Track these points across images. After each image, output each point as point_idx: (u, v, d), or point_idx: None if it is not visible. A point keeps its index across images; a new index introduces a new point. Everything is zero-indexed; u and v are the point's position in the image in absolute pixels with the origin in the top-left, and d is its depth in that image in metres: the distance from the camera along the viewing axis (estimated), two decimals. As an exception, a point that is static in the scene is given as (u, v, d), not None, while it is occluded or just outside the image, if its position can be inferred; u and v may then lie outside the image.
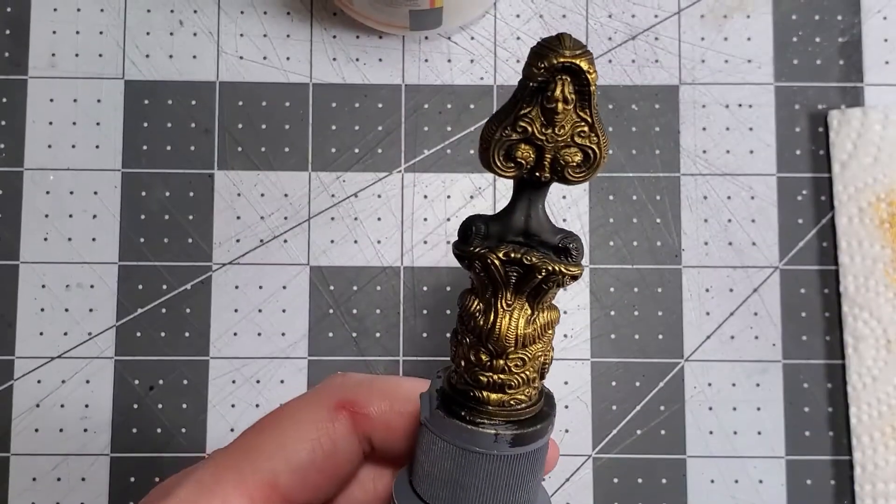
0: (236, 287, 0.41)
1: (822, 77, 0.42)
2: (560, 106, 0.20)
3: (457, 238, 0.23)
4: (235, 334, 0.41)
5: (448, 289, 0.41)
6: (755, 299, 0.41)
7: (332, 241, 0.41)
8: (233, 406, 0.40)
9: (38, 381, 0.40)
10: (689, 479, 0.40)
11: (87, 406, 0.40)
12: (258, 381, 0.40)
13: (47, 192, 0.41)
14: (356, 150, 0.42)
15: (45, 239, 0.41)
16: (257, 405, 0.40)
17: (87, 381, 0.40)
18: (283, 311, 0.41)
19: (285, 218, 0.41)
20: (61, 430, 0.40)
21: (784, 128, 0.42)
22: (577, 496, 0.40)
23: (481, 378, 0.22)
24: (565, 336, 0.41)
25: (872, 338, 0.39)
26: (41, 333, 0.41)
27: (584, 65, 0.19)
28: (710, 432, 0.40)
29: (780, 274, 0.41)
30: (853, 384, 0.39)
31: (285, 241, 0.41)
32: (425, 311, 0.41)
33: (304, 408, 0.24)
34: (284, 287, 0.41)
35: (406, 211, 0.41)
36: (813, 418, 0.40)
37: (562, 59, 0.19)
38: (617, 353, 0.41)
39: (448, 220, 0.41)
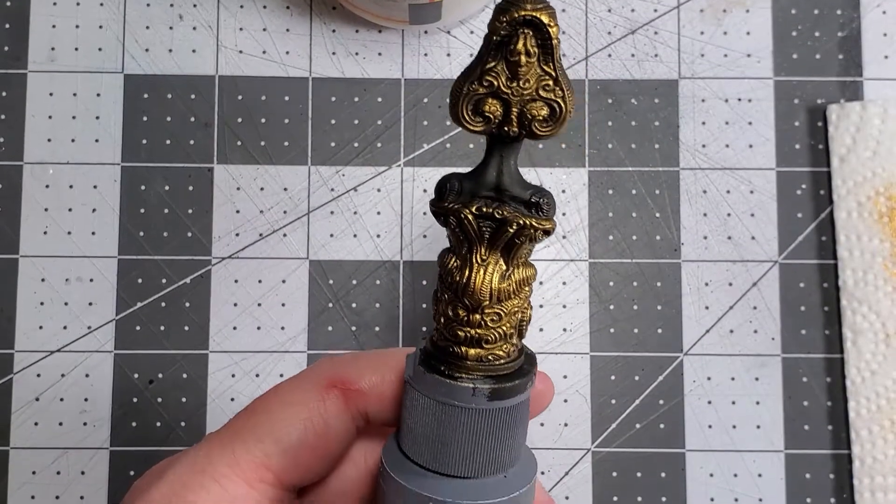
0: (236, 281, 0.41)
1: (821, 71, 0.42)
2: (523, 59, 0.21)
3: (433, 196, 0.23)
4: (235, 328, 0.41)
5: (447, 283, 0.41)
6: (754, 293, 0.41)
7: (332, 235, 0.41)
8: (232, 400, 0.40)
9: (38, 375, 0.40)
10: (688, 473, 0.40)
11: (86, 400, 0.40)
12: (257, 375, 0.40)
13: (47, 186, 0.41)
14: (355, 145, 0.42)
15: (45, 233, 0.41)
16: (257, 399, 0.40)
17: (87, 375, 0.40)
18: (283, 304, 0.41)
19: (285, 212, 0.41)
20: (61, 424, 0.40)
21: (783, 122, 0.42)
22: (577, 490, 0.40)
23: (459, 333, 0.23)
24: (564, 330, 0.41)
25: (871, 332, 0.39)
26: (41, 327, 0.41)
27: (545, 18, 0.20)
28: (710, 426, 0.40)
29: (779, 268, 0.41)
30: (852, 378, 0.39)
31: (285, 234, 0.41)
32: (424, 306, 0.41)
33: (294, 389, 0.25)
34: (284, 281, 0.41)
35: (405, 205, 0.41)
36: (812, 412, 0.40)
37: (523, 13, 0.20)
38: (616, 347, 0.41)
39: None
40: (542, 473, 0.40)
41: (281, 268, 0.41)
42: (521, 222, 0.22)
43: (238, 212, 0.41)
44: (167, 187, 0.41)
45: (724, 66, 0.42)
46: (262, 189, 0.41)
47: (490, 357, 0.23)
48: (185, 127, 0.42)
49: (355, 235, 0.41)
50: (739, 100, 0.42)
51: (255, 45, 0.42)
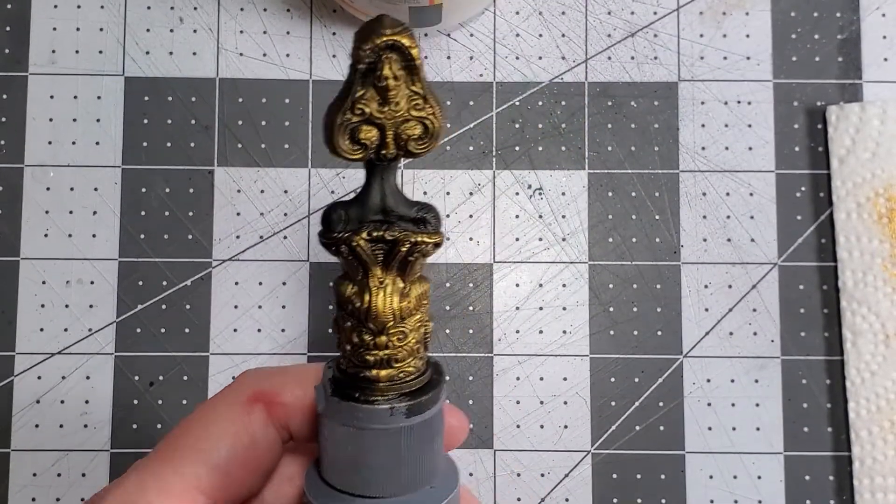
0: (236, 283, 0.41)
1: (820, 74, 0.42)
2: (391, 83, 0.21)
3: (321, 228, 0.23)
4: (235, 330, 0.41)
5: (448, 284, 0.41)
6: (754, 296, 0.41)
7: (332, 238, 0.41)
8: (233, 402, 0.40)
9: (39, 377, 0.40)
10: (687, 475, 0.40)
11: (87, 402, 0.40)
12: (258, 377, 0.40)
13: (48, 189, 0.41)
14: (356, 147, 0.42)
15: (46, 235, 0.41)
16: (257, 401, 0.40)
17: (88, 377, 0.40)
18: (283, 307, 0.41)
19: (285, 214, 0.41)
20: (61, 426, 0.40)
21: (783, 124, 0.42)
22: (577, 492, 0.40)
23: (368, 358, 0.23)
24: (564, 332, 0.41)
25: (871, 333, 0.39)
26: (41, 329, 0.41)
27: (405, 41, 0.20)
28: (709, 428, 0.40)
29: (778, 270, 0.41)
30: (852, 379, 0.40)
31: (285, 237, 0.41)
32: (425, 308, 0.41)
33: (218, 405, 0.24)
34: (284, 283, 0.41)
35: (405, 207, 0.41)
36: (812, 414, 0.40)
37: (384, 39, 0.20)
38: (616, 350, 0.41)
39: (447, 216, 0.41)
40: (543, 476, 0.40)
41: (281, 270, 0.41)
42: (413, 240, 0.22)
43: (238, 214, 0.41)
44: (168, 190, 0.41)
45: (723, 69, 0.42)
46: (262, 191, 0.41)
47: (401, 375, 0.23)
48: (185, 129, 0.42)
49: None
50: (739, 102, 0.42)
51: (255, 48, 0.42)
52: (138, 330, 0.41)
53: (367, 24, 0.21)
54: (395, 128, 0.22)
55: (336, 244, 0.23)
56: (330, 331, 0.41)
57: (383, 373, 0.23)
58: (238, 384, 0.25)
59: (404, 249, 0.23)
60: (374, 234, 0.22)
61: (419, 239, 0.23)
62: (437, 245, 0.23)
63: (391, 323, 0.23)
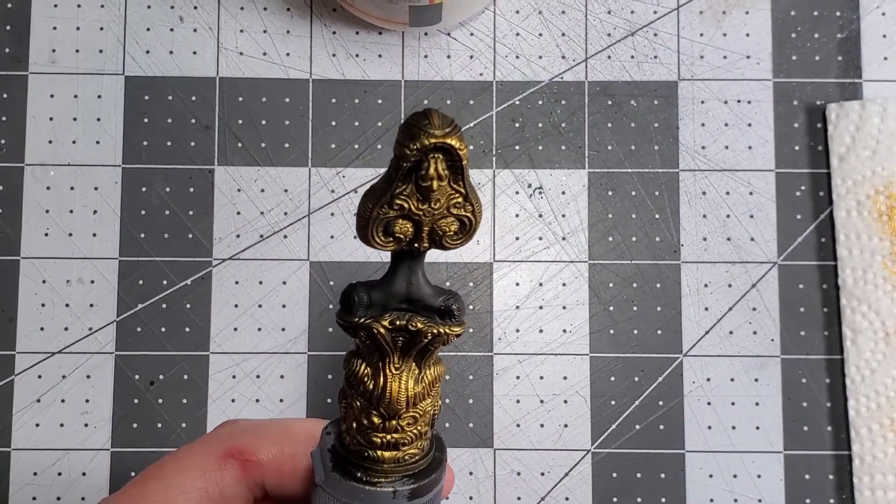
0: (236, 282, 0.41)
1: (820, 73, 0.42)
2: (435, 183, 0.20)
3: (339, 307, 0.23)
4: (236, 329, 0.41)
5: (448, 284, 0.41)
6: (754, 295, 0.41)
7: (332, 237, 0.41)
8: (233, 401, 0.40)
9: (39, 377, 0.40)
10: (687, 474, 0.40)
11: (87, 401, 0.40)
12: (258, 377, 0.41)
13: (48, 188, 0.41)
14: (356, 146, 0.42)
15: (46, 234, 0.41)
16: (257, 400, 0.40)
17: (88, 377, 0.40)
18: (283, 306, 0.41)
19: (285, 213, 0.41)
20: (62, 425, 0.40)
21: (782, 123, 0.42)
22: (577, 491, 0.40)
23: (375, 439, 0.23)
24: (564, 331, 0.41)
25: (871, 330, 0.39)
26: (42, 329, 0.41)
27: (454, 143, 0.19)
28: (709, 427, 0.40)
29: (778, 269, 0.41)
30: (851, 377, 0.40)
31: (285, 236, 0.41)
32: (425, 307, 0.41)
33: (191, 457, 0.24)
34: (284, 282, 0.41)
35: (406, 206, 0.41)
36: (811, 413, 0.40)
37: (433, 140, 0.19)
38: (616, 349, 0.41)
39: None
40: (543, 475, 0.40)
41: (281, 269, 0.41)
42: (436, 332, 0.22)
43: (239, 213, 0.41)
44: (168, 189, 0.41)
45: (723, 68, 0.42)
46: (262, 191, 0.41)
47: (406, 457, 0.23)
48: (185, 128, 0.42)
49: (356, 237, 0.41)
50: (739, 101, 0.42)
51: (255, 47, 0.42)
52: (138, 329, 0.41)
53: (414, 118, 0.20)
54: (432, 223, 0.21)
55: (355, 328, 0.22)
56: (330, 330, 0.41)
57: (388, 454, 0.23)
58: (215, 435, 0.25)
59: (426, 340, 0.22)
60: (397, 322, 0.22)
61: (443, 331, 0.22)
62: (459, 336, 0.22)
63: (403, 410, 0.22)
